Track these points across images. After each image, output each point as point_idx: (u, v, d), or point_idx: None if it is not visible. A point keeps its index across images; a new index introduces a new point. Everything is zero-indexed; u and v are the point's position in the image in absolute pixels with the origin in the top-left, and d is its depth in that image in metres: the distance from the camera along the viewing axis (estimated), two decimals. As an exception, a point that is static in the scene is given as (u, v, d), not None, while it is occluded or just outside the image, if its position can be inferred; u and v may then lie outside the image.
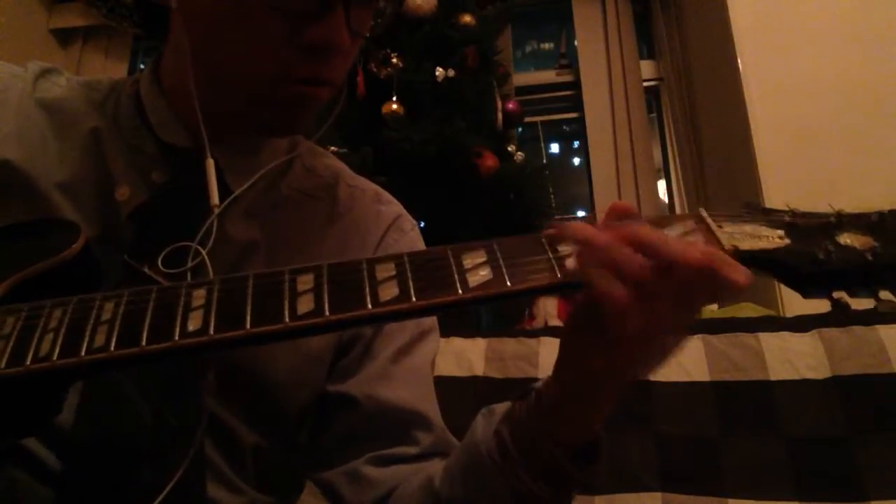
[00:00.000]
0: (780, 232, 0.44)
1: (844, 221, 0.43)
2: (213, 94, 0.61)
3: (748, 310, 1.39)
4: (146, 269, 0.55)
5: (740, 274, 0.39)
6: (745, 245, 0.43)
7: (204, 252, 0.56)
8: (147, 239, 0.59)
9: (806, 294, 0.42)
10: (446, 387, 0.72)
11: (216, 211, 0.59)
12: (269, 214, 0.67)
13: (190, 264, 0.55)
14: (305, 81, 0.58)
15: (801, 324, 1.11)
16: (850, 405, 1.00)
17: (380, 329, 0.68)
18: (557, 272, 0.42)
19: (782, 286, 0.44)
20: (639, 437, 1.05)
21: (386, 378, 0.66)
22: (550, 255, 0.43)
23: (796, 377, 1.04)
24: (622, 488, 1.01)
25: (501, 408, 0.54)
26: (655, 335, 0.42)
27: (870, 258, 0.41)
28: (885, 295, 0.40)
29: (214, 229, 0.58)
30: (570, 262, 0.42)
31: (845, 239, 0.42)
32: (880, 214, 0.43)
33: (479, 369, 1.17)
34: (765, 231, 0.44)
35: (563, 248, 0.43)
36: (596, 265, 0.40)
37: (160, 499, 0.49)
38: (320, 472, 0.66)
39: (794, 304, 1.47)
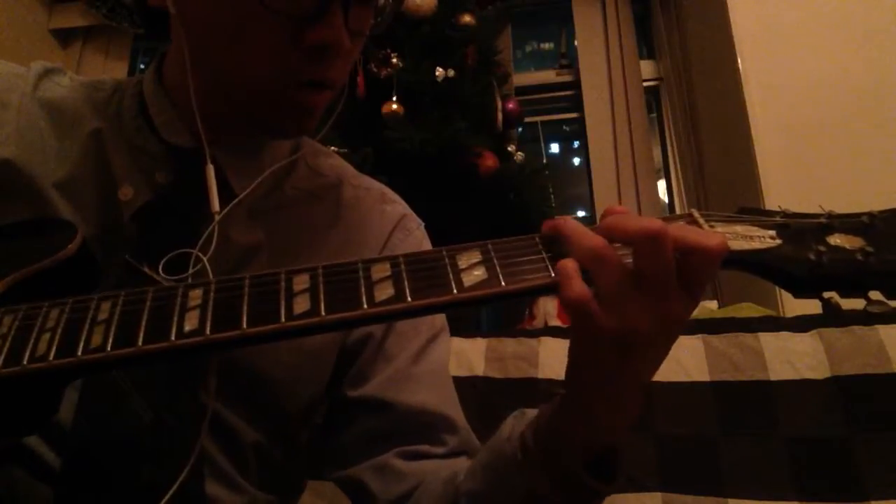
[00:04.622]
0: (772, 232, 0.44)
1: (835, 222, 0.44)
2: (214, 98, 0.61)
3: (748, 310, 1.39)
4: (146, 270, 0.55)
5: (712, 236, 0.40)
6: (737, 245, 0.43)
7: (205, 259, 0.56)
8: (149, 240, 0.59)
9: (797, 294, 0.42)
10: (446, 386, 0.72)
11: (217, 218, 0.58)
12: (273, 215, 0.67)
13: (191, 271, 0.55)
14: (307, 84, 0.58)
15: (801, 324, 1.11)
16: (850, 405, 1.00)
17: (391, 330, 0.68)
18: (552, 272, 0.42)
19: (782, 286, 0.44)
20: (639, 437, 1.05)
21: (409, 381, 0.66)
22: (545, 256, 0.43)
23: (796, 377, 1.04)
24: (622, 488, 1.01)
25: (532, 412, 0.54)
26: (660, 332, 0.42)
27: (860, 259, 0.41)
28: (875, 295, 0.40)
29: (216, 236, 0.57)
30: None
31: (836, 240, 0.42)
32: (870, 216, 0.43)
33: (479, 369, 1.17)
34: (756, 232, 0.44)
35: (559, 249, 0.44)
36: (587, 259, 0.41)
37: (164, 500, 0.49)
38: (341, 470, 0.66)
39: (794, 304, 1.46)
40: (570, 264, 0.41)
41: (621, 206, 0.44)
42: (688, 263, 0.41)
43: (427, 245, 0.74)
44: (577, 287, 0.40)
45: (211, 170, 0.60)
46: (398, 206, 0.75)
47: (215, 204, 0.59)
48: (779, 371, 1.05)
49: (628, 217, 0.42)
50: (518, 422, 0.55)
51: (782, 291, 0.44)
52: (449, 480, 0.59)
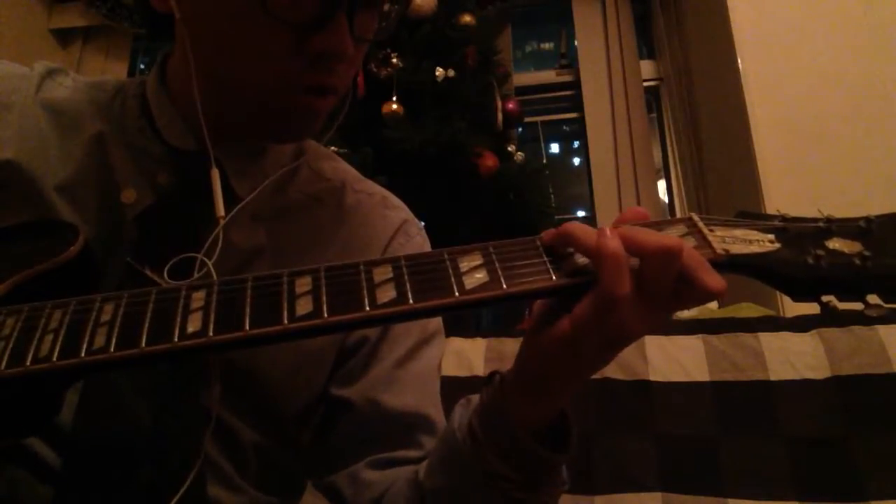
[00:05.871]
0: (771, 236, 0.44)
1: (833, 227, 0.44)
2: (217, 101, 0.61)
3: (748, 310, 1.39)
4: (148, 272, 0.55)
5: (714, 279, 0.41)
6: (736, 249, 0.43)
7: (210, 263, 0.55)
8: (151, 242, 0.59)
9: (795, 298, 0.43)
10: (446, 387, 0.72)
11: (222, 222, 0.58)
12: (276, 219, 0.67)
13: (196, 275, 0.55)
14: (311, 90, 0.58)
15: (801, 324, 1.11)
16: (850, 405, 1.00)
17: (385, 333, 0.68)
18: (553, 275, 0.42)
19: (780, 287, 0.44)
20: (639, 437, 1.05)
21: (391, 383, 0.66)
22: (546, 259, 0.43)
23: (796, 377, 1.04)
24: (622, 488, 1.01)
25: (477, 397, 0.55)
26: (645, 332, 0.44)
27: (858, 263, 0.41)
28: (872, 299, 0.41)
29: (220, 240, 0.57)
30: (581, 260, 0.43)
31: (834, 244, 0.42)
32: (868, 220, 0.43)
33: (479, 369, 1.17)
34: (755, 236, 0.44)
35: (560, 251, 0.44)
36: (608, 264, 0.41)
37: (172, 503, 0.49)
38: (324, 476, 0.67)
39: (794, 304, 1.46)
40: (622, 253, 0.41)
41: (640, 209, 0.46)
42: (686, 289, 0.42)
43: (427, 250, 0.74)
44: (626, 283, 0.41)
45: (216, 175, 0.60)
46: (400, 211, 0.76)
47: (220, 209, 0.59)
48: (779, 371, 1.06)
49: (642, 231, 0.42)
50: (465, 410, 0.55)
51: (782, 292, 0.44)
52: (411, 480, 0.59)
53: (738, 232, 0.45)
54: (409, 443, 0.65)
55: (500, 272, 0.42)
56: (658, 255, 0.41)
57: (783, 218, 0.45)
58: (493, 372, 0.53)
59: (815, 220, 0.45)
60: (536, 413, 0.49)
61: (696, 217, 0.46)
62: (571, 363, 0.46)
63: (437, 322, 0.73)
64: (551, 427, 0.51)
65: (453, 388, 0.72)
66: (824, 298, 0.42)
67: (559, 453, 0.50)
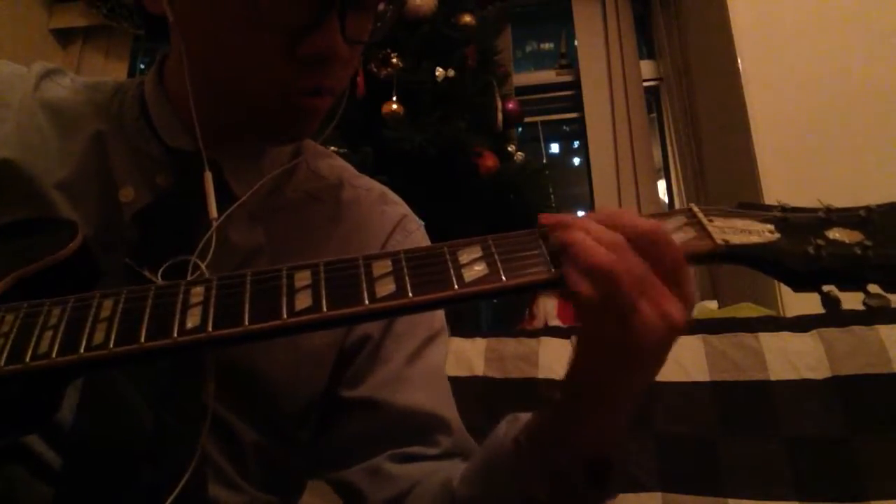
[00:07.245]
0: (771, 227, 0.44)
1: (833, 216, 0.44)
2: (214, 104, 0.61)
3: (748, 310, 1.39)
4: (146, 272, 0.55)
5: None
6: (736, 239, 0.43)
7: (203, 265, 0.55)
8: (149, 242, 0.59)
9: (796, 288, 0.43)
10: (446, 387, 0.72)
11: (215, 224, 0.59)
12: (273, 218, 0.67)
13: (190, 277, 0.55)
14: (306, 92, 0.58)
15: (801, 324, 1.11)
16: (850, 405, 1.00)
17: (388, 332, 0.68)
18: (552, 267, 0.42)
19: (782, 286, 0.44)
20: (639, 437, 1.05)
21: (402, 382, 0.66)
22: (545, 250, 0.43)
23: (796, 377, 1.04)
24: (621, 488, 1.01)
25: (525, 416, 0.54)
26: (659, 339, 0.42)
27: (858, 253, 0.41)
28: (873, 289, 0.41)
29: (213, 241, 0.57)
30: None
31: (834, 234, 0.42)
32: (868, 209, 0.43)
33: (479, 369, 1.17)
34: (755, 226, 0.44)
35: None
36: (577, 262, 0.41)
37: (168, 502, 0.49)
38: (335, 471, 0.66)
39: (794, 304, 1.47)
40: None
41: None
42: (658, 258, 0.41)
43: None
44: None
45: (209, 177, 0.60)
46: (398, 206, 0.75)
47: (213, 210, 0.59)
48: (779, 371, 1.05)
49: (626, 214, 0.42)
50: (511, 426, 0.54)
51: (782, 291, 0.44)
52: (445, 485, 0.58)
53: (738, 222, 0.44)
54: (426, 441, 0.65)
55: (499, 264, 0.42)
56: (641, 237, 0.41)
57: (783, 208, 0.45)
58: (551, 397, 0.51)
59: (815, 210, 0.45)
60: (584, 439, 0.47)
61: (695, 208, 0.46)
62: (600, 373, 0.45)
63: (441, 319, 0.73)
64: (596, 461, 0.49)
65: (453, 388, 0.71)
66: (825, 288, 0.42)
67: (598, 487, 0.48)
